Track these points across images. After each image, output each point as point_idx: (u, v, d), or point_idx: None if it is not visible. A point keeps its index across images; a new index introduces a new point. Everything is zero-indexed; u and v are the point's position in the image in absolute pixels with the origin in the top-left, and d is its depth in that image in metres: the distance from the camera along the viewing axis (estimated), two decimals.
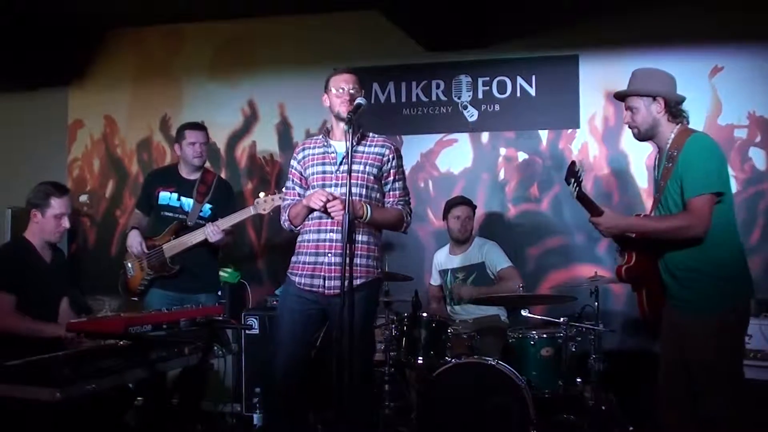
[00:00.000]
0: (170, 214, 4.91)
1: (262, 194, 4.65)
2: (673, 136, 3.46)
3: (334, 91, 3.91)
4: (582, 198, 3.51)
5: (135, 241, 4.84)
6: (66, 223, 4.31)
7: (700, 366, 3.35)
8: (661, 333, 3.60)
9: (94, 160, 6.83)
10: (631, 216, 3.66)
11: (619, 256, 3.71)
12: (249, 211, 4.69)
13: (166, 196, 4.94)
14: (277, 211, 4.24)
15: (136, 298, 4.96)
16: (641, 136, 3.57)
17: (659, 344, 3.66)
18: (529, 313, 4.83)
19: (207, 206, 4.92)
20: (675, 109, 3.49)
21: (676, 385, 3.49)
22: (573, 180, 3.46)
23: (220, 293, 5.26)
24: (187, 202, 4.91)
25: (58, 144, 6.89)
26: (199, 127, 5.07)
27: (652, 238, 3.46)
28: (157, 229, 4.94)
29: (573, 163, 3.50)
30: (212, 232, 4.68)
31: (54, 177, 6.63)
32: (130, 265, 4.92)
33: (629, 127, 3.59)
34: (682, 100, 3.52)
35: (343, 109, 3.84)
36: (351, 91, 3.87)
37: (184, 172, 5.00)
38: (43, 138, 6.91)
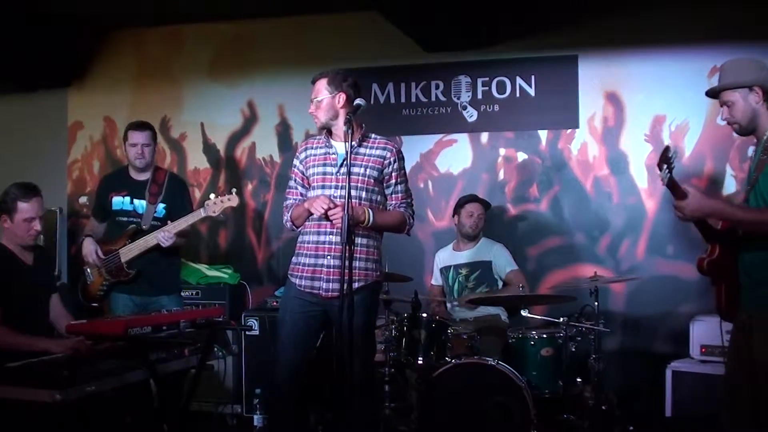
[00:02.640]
0: (125, 219, 4.83)
1: (212, 195, 4.61)
2: None
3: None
4: (671, 184, 3.25)
5: (89, 249, 4.75)
6: (37, 225, 4.14)
7: (765, 364, 3.19)
8: (731, 334, 3.46)
9: (93, 161, 6.82)
10: (717, 199, 3.38)
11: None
12: (200, 214, 4.62)
13: (119, 201, 4.85)
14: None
15: (96, 304, 4.86)
16: (743, 131, 3.37)
17: (728, 346, 3.50)
18: (529, 313, 4.83)
19: (161, 206, 4.83)
20: None
21: (739, 391, 3.33)
22: (666, 166, 3.20)
23: (182, 294, 5.19)
24: (140, 204, 4.82)
25: (57, 145, 6.88)
26: (143, 127, 4.90)
27: (740, 229, 3.28)
28: (114, 234, 4.85)
29: (667, 147, 3.23)
30: (164, 238, 4.60)
31: (54, 178, 6.72)
32: (89, 271, 4.84)
33: (729, 123, 3.39)
34: None
35: (316, 122, 3.93)
36: (315, 100, 3.91)
37: (134, 174, 4.90)
38: (42, 139, 6.90)
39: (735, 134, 3.60)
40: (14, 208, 4.12)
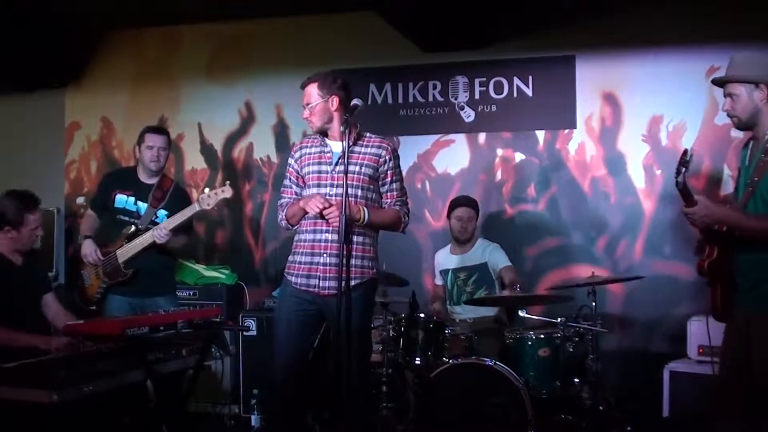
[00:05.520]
0: (125, 218, 4.83)
1: (206, 189, 4.62)
2: None
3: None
4: (684, 189, 3.24)
5: (90, 249, 4.76)
6: (40, 231, 4.40)
7: (763, 364, 3.20)
8: (724, 335, 3.48)
9: (91, 161, 6.82)
10: (726, 207, 3.38)
11: (698, 252, 3.47)
12: (194, 208, 4.62)
13: (122, 199, 4.85)
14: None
15: (93, 307, 4.85)
16: (741, 126, 3.39)
17: (721, 347, 3.53)
18: (527, 313, 4.83)
19: (162, 212, 4.85)
20: None
21: (733, 391, 3.34)
22: (684, 170, 3.19)
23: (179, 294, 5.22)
24: (143, 207, 4.84)
25: (55, 146, 6.88)
26: (160, 131, 4.97)
27: (744, 234, 3.26)
28: (111, 232, 4.84)
29: (685, 151, 3.22)
30: (159, 235, 4.60)
31: (51, 179, 6.72)
32: (86, 274, 4.84)
33: (728, 115, 3.40)
34: None
35: (312, 126, 3.94)
36: (309, 106, 3.92)
37: (143, 176, 4.92)
38: (40, 140, 6.90)
39: (733, 133, 3.61)
40: (22, 221, 4.27)
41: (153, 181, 4.92)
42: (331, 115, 3.92)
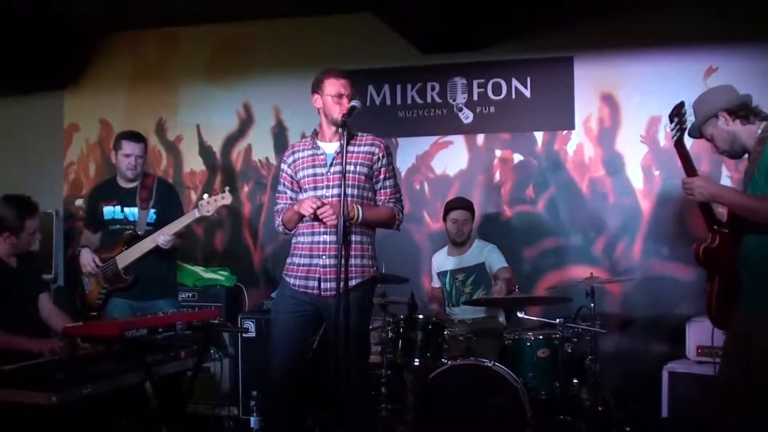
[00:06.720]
0: (118, 227, 4.82)
1: (206, 195, 4.61)
2: (760, 131, 3.31)
3: (330, 95, 3.88)
4: (679, 146, 3.26)
5: (87, 258, 4.76)
6: (38, 235, 4.49)
7: (763, 364, 3.20)
8: (727, 333, 3.49)
9: (89, 164, 6.82)
10: (725, 185, 3.46)
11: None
12: (194, 214, 4.62)
13: (110, 211, 4.84)
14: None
15: (95, 313, 4.84)
16: (734, 155, 3.46)
17: (723, 345, 3.54)
18: (525, 314, 4.83)
19: (152, 211, 4.83)
20: (743, 112, 3.33)
21: (735, 392, 3.34)
22: (677, 120, 3.22)
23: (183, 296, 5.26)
24: (131, 212, 4.81)
25: (53, 148, 6.87)
26: (137, 138, 4.89)
27: (741, 216, 3.30)
28: (109, 243, 4.84)
29: (682, 103, 3.23)
30: (163, 241, 4.60)
31: (50, 181, 6.72)
32: (86, 280, 4.84)
33: (721, 155, 3.49)
34: (747, 100, 3.36)
35: (338, 114, 3.83)
36: (348, 97, 3.86)
37: (122, 182, 4.89)
38: (38, 142, 6.90)
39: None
40: (22, 227, 4.30)
41: (134, 184, 4.88)
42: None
